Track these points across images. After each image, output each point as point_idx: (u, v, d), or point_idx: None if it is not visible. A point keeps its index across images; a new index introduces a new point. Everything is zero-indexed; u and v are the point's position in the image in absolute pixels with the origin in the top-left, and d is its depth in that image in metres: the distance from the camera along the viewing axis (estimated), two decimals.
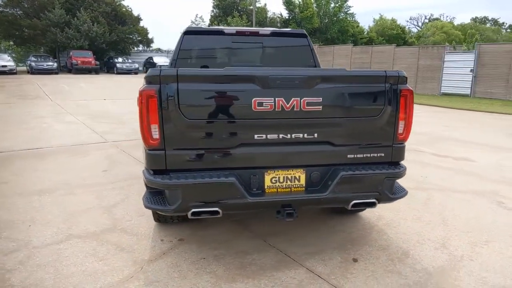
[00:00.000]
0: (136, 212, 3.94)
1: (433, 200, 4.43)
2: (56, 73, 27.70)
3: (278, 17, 48.35)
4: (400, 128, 2.83)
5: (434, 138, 8.32)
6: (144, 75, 2.59)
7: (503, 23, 75.93)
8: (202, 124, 2.57)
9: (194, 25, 72.60)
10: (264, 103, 2.56)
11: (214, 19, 43.43)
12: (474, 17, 76.38)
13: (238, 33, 4.47)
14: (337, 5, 47.65)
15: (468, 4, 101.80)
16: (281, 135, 2.65)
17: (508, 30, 71.57)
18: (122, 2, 37.02)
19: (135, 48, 38.91)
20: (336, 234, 3.53)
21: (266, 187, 2.75)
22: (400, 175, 2.86)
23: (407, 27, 63.25)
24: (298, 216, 2.75)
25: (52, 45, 32.66)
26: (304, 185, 2.80)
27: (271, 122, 2.62)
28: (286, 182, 2.77)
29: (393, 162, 2.91)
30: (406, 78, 2.80)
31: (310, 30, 40.62)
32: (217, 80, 2.58)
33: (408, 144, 2.99)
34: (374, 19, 66.34)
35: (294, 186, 2.79)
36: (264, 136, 2.64)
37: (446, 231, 3.63)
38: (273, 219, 3.72)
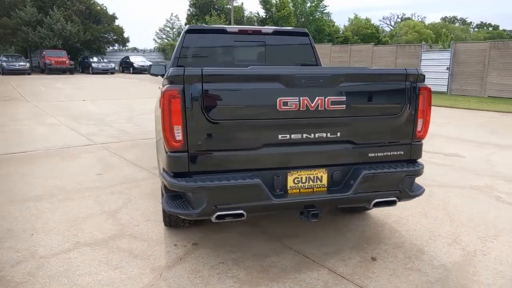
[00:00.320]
0: (142, 217, 3.82)
1: (434, 196, 4.50)
2: (29, 74, 26.68)
3: (255, 16, 48.36)
4: (419, 126, 2.85)
5: None
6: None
7: (471, 22, 78.79)
8: (227, 124, 2.50)
9: (169, 24, 71.50)
10: (289, 103, 2.52)
11: (191, 18, 42.96)
12: (444, 17, 78.92)
13: (241, 32, 4.41)
14: (313, 4, 48.11)
15: (438, 3, 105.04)
16: (304, 135, 2.62)
17: (476, 29, 74.31)
18: (97, 0, 36.09)
19: (111, 48, 38.01)
20: (350, 233, 3.53)
21: (288, 187, 2.71)
22: (420, 172, 2.89)
23: (380, 26, 64.65)
24: (321, 217, 2.72)
25: (23, 44, 31.47)
26: (326, 185, 2.78)
27: (295, 122, 2.58)
28: (309, 182, 2.74)
29: (412, 160, 2.93)
30: (424, 76, 2.82)
31: None
32: (242, 80, 2.51)
33: None
34: (349, 18, 67.36)
35: (316, 186, 2.76)
36: (288, 136, 2.59)
37: (454, 227, 3.69)
38: (285, 220, 3.72)
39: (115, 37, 37.04)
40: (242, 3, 59.22)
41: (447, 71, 18.56)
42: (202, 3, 43.39)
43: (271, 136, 2.58)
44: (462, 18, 78.49)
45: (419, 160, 2.98)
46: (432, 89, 2.88)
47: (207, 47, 4.44)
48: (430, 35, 55.23)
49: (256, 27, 4.52)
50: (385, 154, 2.83)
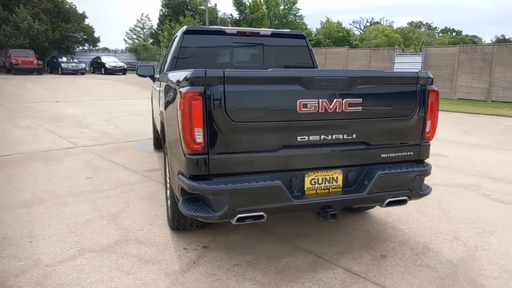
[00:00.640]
0: (144, 221, 3.73)
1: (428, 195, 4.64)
2: None
3: (229, 17, 48.33)
4: (428, 127, 2.94)
5: None
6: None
7: (436, 27, 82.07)
8: (248, 126, 2.49)
9: (140, 24, 70.07)
10: (308, 105, 2.54)
11: (164, 18, 42.39)
12: (410, 21, 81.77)
13: (239, 33, 4.41)
14: (286, 7, 48.63)
15: (404, 8, 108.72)
16: (322, 136, 2.65)
17: (441, 34, 77.47)
18: None
19: (80, 47, 36.86)
20: (355, 232, 3.59)
21: (306, 189, 2.73)
22: (429, 172, 2.98)
23: (351, 30, 66.15)
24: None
25: None
26: (341, 186, 2.82)
27: (314, 124, 2.61)
28: (325, 183, 2.77)
29: (420, 160, 3.02)
30: (433, 79, 2.92)
31: None
32: (263, 82, 2.51)
33: None
34: (321, 21, 68.54)
35: (332, 187, 2.80)
36: (306, 137, 2.61)
37: (452, 224, 3.83)
38: (289, 221, 3.74)
39: (85, 37, 35.97)
40: (216, 4, 59.20)
41: None
42: (175, 3, 42.93)
43: (290, 138, 2.59)
44: (428, 23, 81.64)
45: (426, 160, 3.08)
46: None
47: (206, 48, 4.40)
48: (398, 39, 57.02)
49: (254, 29, 4.52)
50: (396, 154, 2.90)
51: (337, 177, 2.79)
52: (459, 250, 3.28)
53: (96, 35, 37.01)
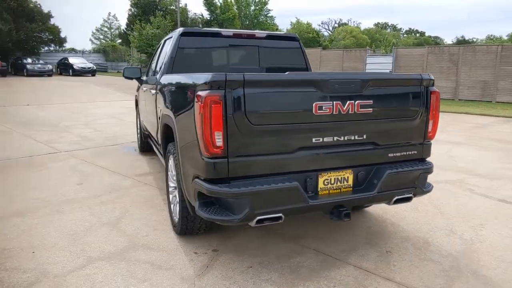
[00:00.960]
0: (147, 226, 3.68)
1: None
2: None
3: (200, 18, 47.98)
4: (430, 127, 3.08)
5: None
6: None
7: (400, 28, 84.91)
8: (266, 129, 2.52)
9: (107, 24, 68.24)
10: (323, 107, 2.60)
11: (133, 18, 41.54)
12: (376, 23, 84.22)
13: (235, 36, 4.42)
14: (257, 8, 48.83)
15: (370, 10, 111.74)
16: (335, 138, 2.72)
17: (405, 35, 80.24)
18: None
19: (46, 48, 35.48)
20: (357, 229, 3.70)
21: (319, 189, 2.79)
22: (432, 170, 3.13)
23: (320, 31, 67.28)
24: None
25: None
26: (351, 185, 2.90)
27: (328, 125, 2.68)
28: (336, 183, 2.85)
29: (422, 159, 3.16)
30: (434, 80, 3.06)
31: None
32: (281, 85, 2.55)
33: None
34: (291, 22, 69.34)
35: (343, 186, 2.88)
36: (321, 139, 2.68)
37: (446, 218, 4.02)
38: (293, 221, 3.79)
39: (50, 37, 34.66)
40: (186, 4, 58.56)
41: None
42: (144, 3, 42.16)
43: (306, 140, 2.65)
44: (393, 24, 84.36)
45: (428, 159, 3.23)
46: None
47: (202, 51, 4.39)
48: (366, 40, 58.61)
49: (250, 31, 4.55)
50: (401, 154, 3.02)
51: (348, 177, 2.87)
52: (457, 244, 3.45)
53: (62, 35, 35.73)
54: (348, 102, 2.67)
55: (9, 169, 5.60)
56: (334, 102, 2.63)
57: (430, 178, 3.25)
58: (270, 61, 4.65)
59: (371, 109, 2.76)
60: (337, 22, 76.13)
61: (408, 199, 3.07)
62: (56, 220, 3.81)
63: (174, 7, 43.16)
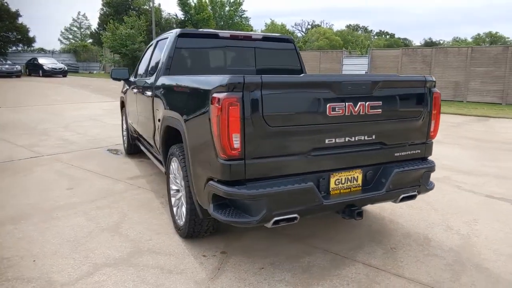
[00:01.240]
0: (149, 230, 3.61)
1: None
2: None
3: (174, 18, 47.44)
4: (432, 127, 3.19)
5: None
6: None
7: (371, 30, 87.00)
8: (282, 131, 2.54)
9: (76, 24, 66.35)
10: (336, 108, 2.64)
11: (105, 18, 40.58)
12: (348, 24, 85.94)
13: (232, 37, 4.41)
14: (232, 8, 48.82)
15: (342, 12, 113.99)
16: (347, 138, 2.77)
17: (376, 37, 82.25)
18: None
19: (14, 48, 34.07)
20: (359, 228, 3.77)
21: (331, 189, 2.83)
22: (434, 168, 3.23)
23: (294, 32, 68.02)
24: None
25: None
26: (360, 185, 2.96)
27: (340, 126, 2.72)
28: (347, 183, 2.90)
29: (425, 158, 3.26)
30: (435, 82, 3.17)
31: None
32: (297, 87, 2.57)
33: None
34: (265, 23, 69.67)
35: (353, 186, 2.93)
36: (333, 140, 2.72)
37: (440, 214, 4.16)
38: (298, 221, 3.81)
39: (18, 37, 33.31)
40: (160, 4, 57.73)
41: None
42: (117, 2, 41.29)
43: (320, 141, 2.68)
44: (364, 26, 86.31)
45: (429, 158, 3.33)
46: None
47: (199, 52, 4.35)
48: (339, 41, 59.63)
49: (246, 33, 4.55)
50: (407, 153, 3.11)
51: (357, 177, 2.93)
52: (455, 238, 3.58)
53: (31, 34, 34.40)
54: (359, 103, 2.72)
55: None
56: (347, 104, 2.68)
57: None
58: (266, 63, 4.67)
59: (380, 110, 2.82)
60: (310, 23, 77.19)
61: (413, 197, 3.16)
62: (52, 226, 3.68)
63: (147, 7, 42.49)
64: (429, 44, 66.34)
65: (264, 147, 2.52)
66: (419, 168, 3.08)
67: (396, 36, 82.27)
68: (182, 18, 45.52)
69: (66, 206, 4.21)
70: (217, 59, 4.50)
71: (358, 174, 2.93)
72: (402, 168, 2.99)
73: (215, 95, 2.45)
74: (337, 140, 2.74)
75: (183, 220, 3.31)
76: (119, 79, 6.08)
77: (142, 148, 5.56)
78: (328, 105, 2.61)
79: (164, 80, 3.86)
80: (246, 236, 3.52)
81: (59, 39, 68.55)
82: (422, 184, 3.16)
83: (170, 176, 3.64)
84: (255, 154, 2.50)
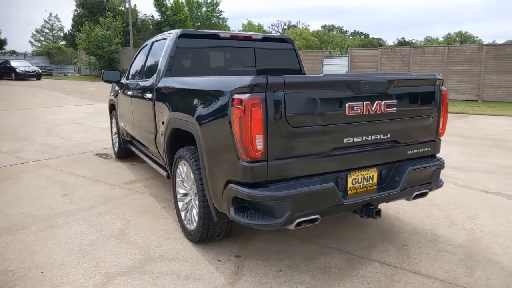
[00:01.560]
0: (157, 236, 3.52)
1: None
2: None
3: (150, 19, 46.79)
4: (441, 125, 3.24)
5: None
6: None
7: (346, 30, 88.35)
8: (304, 131, 2.51)
9: (48, 25, 64.48)
10: (355, 107, 2.64)
11: (79, 19, 39.58)
12: (324, 25, 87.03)
13: (232, 37, 4.36)
14: (209, 9, 48.49)
15: (317, 12, 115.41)
16: (364, 137, 2.77)
17: (351, 37, 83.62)
18: None
19: None
20: (369, 226, 3.78)
21: (348, 188, 2.83)
22: (444, 165, 3.28)
23: (271, 33, 68.14)
24: None
25: None
26: (376, 183, 2.97)
27: (359, 125, 2.72)
28: (363, 182, 2.90)
29: (434, 155, 3.31)
30: (443, 80, 3.22)
31: None
32: (318, 87, 2.55)
33: None
34: (242, 24, 69.58)
35: (369, 185, 2.94)
36: (352, 139, 2.72)
37: (442, 211, 4.23)
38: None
39: None
40: (136, 5, 56.77)
41: None
42: (91, 3, 40.35)
43: (339, 140, 2.67)
44: (339, 27, 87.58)
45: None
46: None
47: (200, 53, 4.27)
48: (315, 41, 60.30)
49: (246, 33, 4.51)
50: (418, 151, 3.15)
51: (373, 175, 2.94)
52: (462, 234, 3.65)
53: (1, 36, 33.14)
54: (376, 102, 2.73)
55: None
56: (364, 103, 2.68)
57: None
58: (266, 63, 4.64)
59: (395, 108, 2.84)
60: (287, 24, 77.62)
61: (425, 194, 3.20)
62: (53, 235, 3.52)
63: (123, 8, 41.73)
64: (403, 43, 67.88)
65: (286, 148, 2.49)
66: (431, 166, 3.12)
67: (370, 36, 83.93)
68: (159, 19, 44.93)
69: (64, 214, 4.04)
70: (218, 60, 4.44)
71: (373, 173, 2.94)
72: (416, 166, 3.02)
73: (236, 96, 2.40)
74: (355, 140, 2.74)
75: (194, 224, 3.23)
76: (110, 81, 5.93)
77: (137, 151, 5.42)
78: (347, 105, 2.61)
79: (168, 81, 3.77)
80: (257, 238, 3.47)
81: (30, 41, 66.30)
82: (433, 181, 3.20)
83: (177, 179, 3.55)
84: (277, 155, 2.46)
